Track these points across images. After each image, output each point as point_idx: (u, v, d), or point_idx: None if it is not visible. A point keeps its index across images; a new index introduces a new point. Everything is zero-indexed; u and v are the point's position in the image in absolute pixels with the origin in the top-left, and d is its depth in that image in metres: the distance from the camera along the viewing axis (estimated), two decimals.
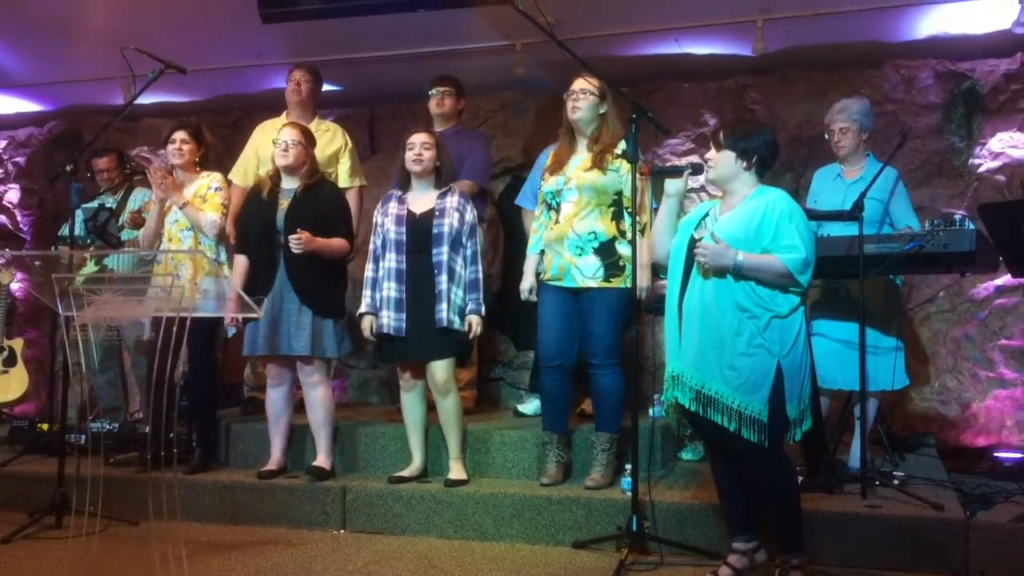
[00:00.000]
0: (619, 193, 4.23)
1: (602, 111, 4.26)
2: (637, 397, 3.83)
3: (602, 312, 4.18)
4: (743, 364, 3.21)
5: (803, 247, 3.21)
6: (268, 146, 4.92)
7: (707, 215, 3.46)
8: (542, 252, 4.39)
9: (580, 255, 4.20)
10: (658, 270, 3.62)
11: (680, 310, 3.39)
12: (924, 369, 5.57)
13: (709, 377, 3.26)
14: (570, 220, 4.23)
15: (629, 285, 4.15)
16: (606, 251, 4.19)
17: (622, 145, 4.23)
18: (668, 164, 3.74)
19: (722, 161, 3.37)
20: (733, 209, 3.37)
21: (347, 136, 5.32)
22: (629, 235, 4.19)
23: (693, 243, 3.38)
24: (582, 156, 4.28)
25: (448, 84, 5.20)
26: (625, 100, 3.98)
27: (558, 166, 4.31)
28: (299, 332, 4.44)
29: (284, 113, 5.31)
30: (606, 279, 4.18)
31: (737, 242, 3.25)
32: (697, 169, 3.61)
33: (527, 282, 4.41)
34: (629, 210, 4.20)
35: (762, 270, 3.22)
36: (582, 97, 4.22)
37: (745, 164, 3.35)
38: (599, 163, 4.21)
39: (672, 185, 3.54)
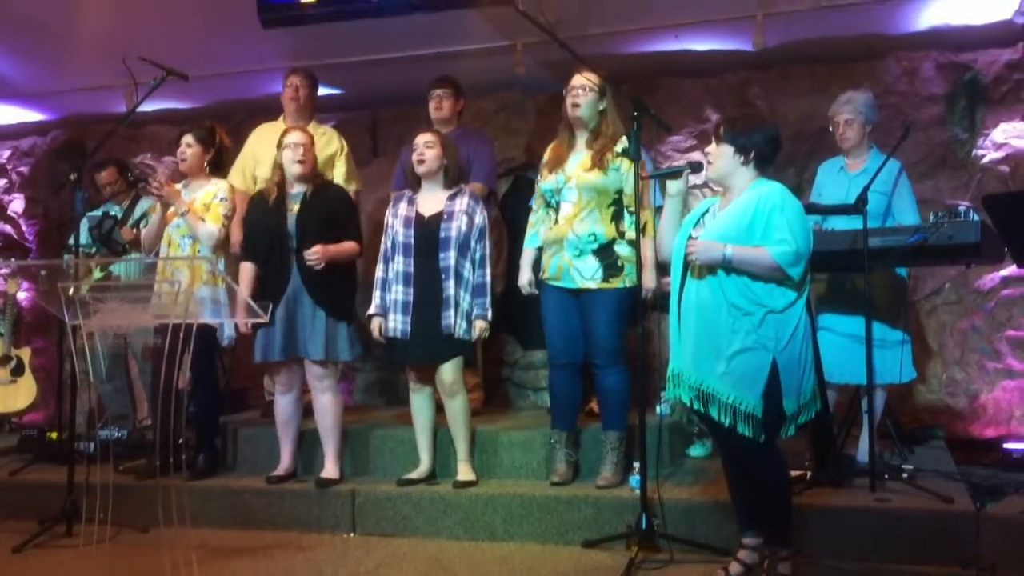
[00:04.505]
0: (619, 192, 4.22)
1: (601, 107, 4.25)
2: (644, 395, 3.82)
3: (602, 313, 4.17)
4: (738, 361, 3.20)
5: (793, 240, 3.18)
6: (266, 149, 4.95)
7: (707, 212, 3.45)
8: (539, 248, 4.39)
9: (579, 256, 4.19)
10: (666, 269, 3.62)
11: (679, 308, 3.38)
12: (931, 361, 5.55)
13: (706, 375, 3.25)
14: (570, 221, 4.21)
15: (628, 285, 4.16)
16: (605, 252, 4.19)
17: (622, 143, 4.21)
18: (666, 166, 3.73)
19: (720, 156, 3.35)
20: (731, 204, 3.35)
21: (343, 140, 5.33)
22: (628, 235, 4.20)
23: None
24: (581, 154, 4.26)
25: (445, 86, 5.16)
26: (627, 98, 3.97)
27: (557, 163, 4.29)
28: (314, 336, 4.44)
29: (281, 117, 5.33)
30: (605, 279, 4.17)
31: (729, 240, 3.23)
32: (696, 167, 3.59)
33: (525, 276, 4.41)
34: (630, 209, 4.19)
35: (751, 263, 3.20)
36: (582, 93, 4.20)
37: (743, 159, 3.33)
38: (599, 162, 4.19)
39: (673, 186, 3.51)
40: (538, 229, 4.40)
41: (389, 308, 4.40)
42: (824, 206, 4.36)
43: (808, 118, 5.72)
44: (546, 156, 4.40)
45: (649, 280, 4.15)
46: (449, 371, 4.36)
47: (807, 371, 3.29)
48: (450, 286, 4.31)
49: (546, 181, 4.31)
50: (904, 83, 5.68)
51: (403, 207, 4.48)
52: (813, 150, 5.65)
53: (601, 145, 4.22)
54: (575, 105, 4.21)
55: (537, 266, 4.43)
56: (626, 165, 4.17)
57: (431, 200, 4.45)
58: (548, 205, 4.32)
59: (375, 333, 4.45)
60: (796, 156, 5.77)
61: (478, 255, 4.40)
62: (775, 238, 3.20)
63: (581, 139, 4.29)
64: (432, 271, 4.35)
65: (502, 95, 6.27)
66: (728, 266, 3.22)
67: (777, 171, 4.86)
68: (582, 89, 4.20)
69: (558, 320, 4.30)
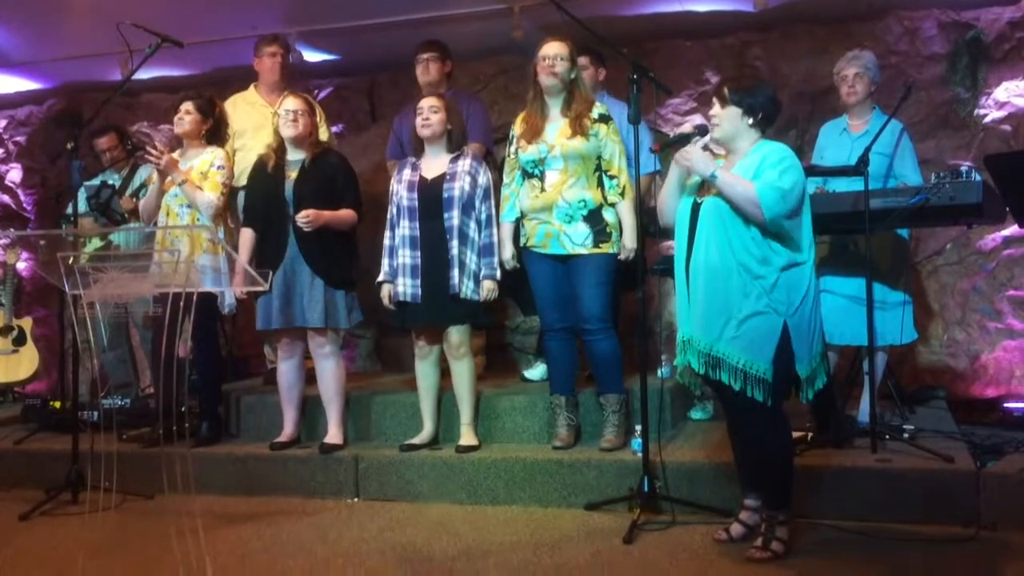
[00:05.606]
0: (599, 158, 4.21)
1: (573, 75, 4.24)
2: (645, 359, 3.82)
3: (592, 277, 4.18)
4: (749, 325, 3.19)
5: (779, 182, 3.14)
6: (241, 119, 5.00)
7: None
8: (518, 219, 4.38)
9: (570, 223, 4.18)
10: (669, 234, 3.60)
11: (687, 273, 3.36)
12: (932, 322, 5.56)
13: (716, 339, 3.24)
14: (558, 188, 4.20)
15: (617, 250, 4.19)
16: (594, 218, 4.18)
17: (598, 109, 4.22)
18: (674, 133, 3.69)
19: (727, 117, 3.32)
20: (735, 167, 3.33)
21: (319, 108, 5.30)
22: (611, 199, 4.21)
23: (696, 206, 3.35)
24: (558, 123, 4.24)
25: (432, 50, 5.06)
26: (626, 60, 3.94)
27: (534, 133, 4.25)
28: (312, 304, 4.44)
29: (252, 86, 5.30)
30: (595, 245, 4.18)
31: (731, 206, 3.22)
32: (702, 130, 3.52)
33: (508, 251, 4.39)
34: (609, 173, 4.21)
35: (734, 188, 3.17)
36: (558, 63, 4.18)
37: (751, 120, 3.31)
38: (579, 129, 4.17)
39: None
40: (513, 202, 4.38)
41: (398, 272, 4.40)
42: (826, 168, 4.34)
43: (809, 79, 5.69)
44: (518, 128, 4.35)
45: (631, 241, 4.14)
46: (456, 333, 4.37)
47: (816, 334, 3.29)
48: (455, 246, 4.31)
49: (527, 152, 4.27)
50: (905, 42, 5.64)
51: (407, 172, 4.46)
52: (814, 111, 5.62)
53: (577, 112, 4.20)
54: (552, 73, 4.18)
55: (516, 237, 4.41)
56: (604, 130, 4.19)
57: (434, 163, 4.43)
58: (530, 175, 4.29)
59: (385, 300, 4.45)
60: (797, 118, 5.74)
61: (483, 215, 4.38)
62: (763, 178, 3.18)
63: (555, 107, 4.27)
64: (437, 233, 4.34)
65: (501, 59, 6.22)
66: (712, 183, 3.21)
67: (778, 133, 4.86)
68: (558, 59, 4.18)
69: (548, 288, 4.31)
